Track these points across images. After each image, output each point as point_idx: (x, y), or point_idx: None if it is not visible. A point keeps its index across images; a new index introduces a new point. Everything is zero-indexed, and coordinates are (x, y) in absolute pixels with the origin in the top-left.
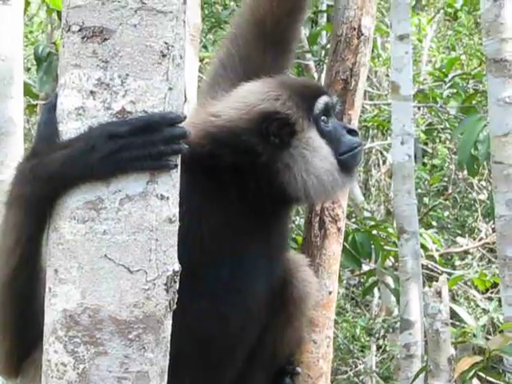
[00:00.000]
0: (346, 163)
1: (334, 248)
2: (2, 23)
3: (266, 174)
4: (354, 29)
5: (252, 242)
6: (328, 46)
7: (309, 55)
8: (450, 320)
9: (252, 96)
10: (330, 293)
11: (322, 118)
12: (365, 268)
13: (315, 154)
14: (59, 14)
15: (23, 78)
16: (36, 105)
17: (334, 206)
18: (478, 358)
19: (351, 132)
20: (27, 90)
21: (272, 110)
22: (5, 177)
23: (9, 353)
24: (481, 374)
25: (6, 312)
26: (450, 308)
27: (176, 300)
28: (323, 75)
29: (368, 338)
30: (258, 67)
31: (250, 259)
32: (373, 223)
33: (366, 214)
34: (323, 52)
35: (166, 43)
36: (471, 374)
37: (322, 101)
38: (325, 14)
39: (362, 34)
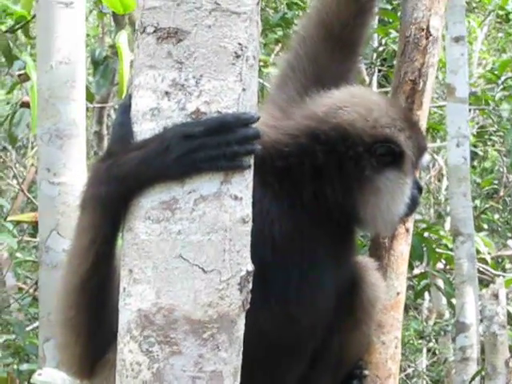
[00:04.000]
0: (408, 213)
1: (402, 248)
2: (65, 26)
3: (346, 187)
4: (423, 29)
5: (321, 245)
6: (379, 49)
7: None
8: (507, 322)
9: (376, 112)
10: (398, 293)
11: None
12: (416, 271)
13: (400, 197)
14: (115, 16)
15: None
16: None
17: None
18: None
19: (419, 188)
20: (86, 93)
21: (395, 140)
22: (67, 179)
23: (83, 354)
24: None
25: (80, 313)
26: (507, 310)
27: (249, 300)
28: (374, 78)
29: (420, 341)
30: (326, 69)
31: (320, 262)
32: (424, 226)
33: (417, 217)
34: (375, 55)
35: (239, 44)
36: None
37: (426, 157)
38: (376, 17)
39: (431, 35)
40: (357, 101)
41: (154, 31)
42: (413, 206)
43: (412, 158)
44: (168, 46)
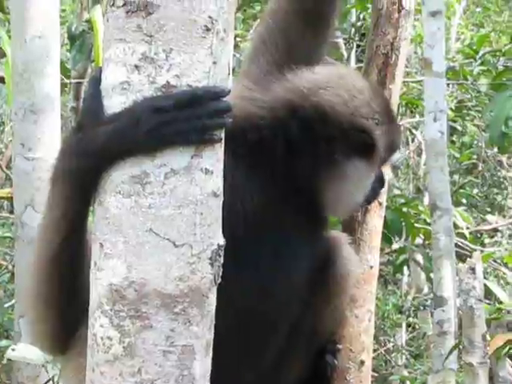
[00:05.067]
0: (365, 203)
1: (375, 222)
2: (39, 1)
3: (315, 166)
4: (395, 3)
5: (293, 220)
6: (358, 23)
7: (338, 33)
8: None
9: (358, 100)
10: (372, 267)
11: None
12: (395, 246)
13: (361, 186)
14: None
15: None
16: (70, 83)
17: None
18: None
19: (382, 183)
20: (62, 68)
21: (370, 132)
22: (42, 154)
23: (55, 330)
24: None
25: (52, 287)
26: (484, 285)
27: (221, 274)
28: (352, 53)
29: (399, 316)
30: (298, 42)
31: (292, 237)
32: (403, 201)
33: (396, 192)
34: (353, 30)
35: (210, 17)
36: (505, 350)
37: (397, 155)
38: None
39: (403, 8)
40: (342, 83)
41: (124, 4)
42: (371, 197)
43: (382, 153)
44: (138, 20)
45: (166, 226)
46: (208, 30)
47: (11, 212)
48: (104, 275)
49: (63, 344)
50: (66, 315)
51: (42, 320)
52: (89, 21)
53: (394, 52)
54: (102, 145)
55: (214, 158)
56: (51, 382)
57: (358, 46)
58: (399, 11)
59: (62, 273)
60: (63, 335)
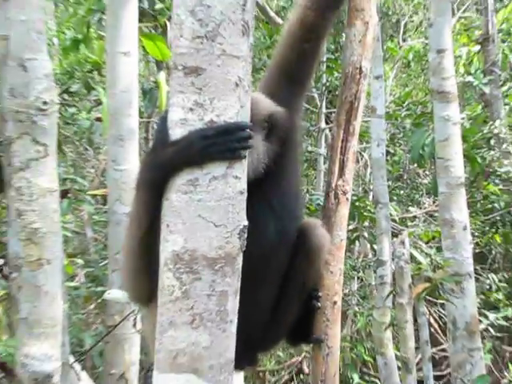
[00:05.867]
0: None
1: (344, 211)
2: (124, 68)
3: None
4: (357, 68)
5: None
6: (327, 83)
7: (313, 89)
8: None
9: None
10: (342, 240)
11: None
12: (350, 227)
13: None
14: (157, 62)
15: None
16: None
17: (343, 184)
18: (428, 285)
19: None
20: (139, 112)
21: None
22: (127, 166)
23: (141, 286)
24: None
25: (140, 258)
26: (410, 252)
27: (245, 244)
28: (323, 102)
29: (353, 272)
30: (284, 92)
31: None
32: (356, 198)
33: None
34: (324, 88)
35: (238, 77)
36: (423, 294)
37: None
38: (325, 63)
39: (362, 72)
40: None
41: (183, 68)
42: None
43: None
44: (191, 78)
45: (209, 213)
46: (237, 85)
47: (103, 204)
48: (169, 245)
49: (147, 297)
50: (147, 276)
51: (132, 280)
52: (155, 81)
53: (357, 100)
54: (169, 160)
55: (241, 168)
56: (132, 313)
57: (327, 98)
58: (360, 74)
59: (145, 248)
60: (145, 291)
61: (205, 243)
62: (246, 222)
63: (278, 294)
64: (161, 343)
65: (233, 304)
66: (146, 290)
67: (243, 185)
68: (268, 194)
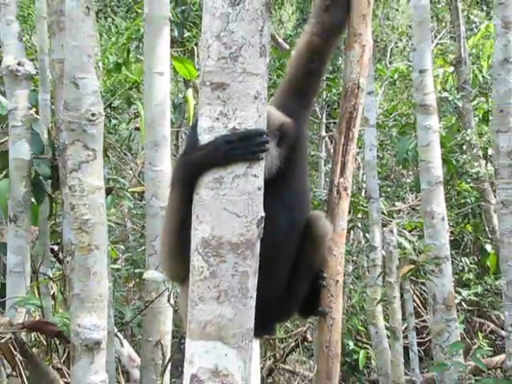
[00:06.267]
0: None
1: (345, 204)
2: (159, 85)
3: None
4: (355, 83)
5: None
6: (327, 99)
7: (315, 104)
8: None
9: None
10: (343, 229)
11: None
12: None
13: None
14: (185, 80)
15: (169, 116)
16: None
17: (344, 181)
18: (412, 266)
19: None
20: (170, 122)
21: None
22: (161, 168)
23: (177, 268)
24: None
25: (175, 243)
26: (397, 239)
27: (262, 232)
28: (324, 115)
29: (348, 256)
30: (294, 107)
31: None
32: (351, 194)
33: None
34: (324, 102)
35: (257, 91)
36: (408, 274)
37: None
38: (325, 82)
39: (360, 87)
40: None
41: (210, 84)
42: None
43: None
44: (217, 93)
45: (232, 205)
46: (256, 98)
47: (140, 200)
48: (198, 233)
49: (180, 276)
50: (181, 259)
51: (169, 263)
52: (184, 97)
53: (355, 111)
54: (198, 161)
55: (259, 168)
56: (167, 291)
57: (327, 111)
58: (358, 89)
59: (180, 235)
60: (180, 272)
61: (229, 231)
62: (263, 214)
63: (290, 274)
64: (192, 315)
65: (252, 282)
66: (180, 270)
67: (261, 182)
68: (280, 191)
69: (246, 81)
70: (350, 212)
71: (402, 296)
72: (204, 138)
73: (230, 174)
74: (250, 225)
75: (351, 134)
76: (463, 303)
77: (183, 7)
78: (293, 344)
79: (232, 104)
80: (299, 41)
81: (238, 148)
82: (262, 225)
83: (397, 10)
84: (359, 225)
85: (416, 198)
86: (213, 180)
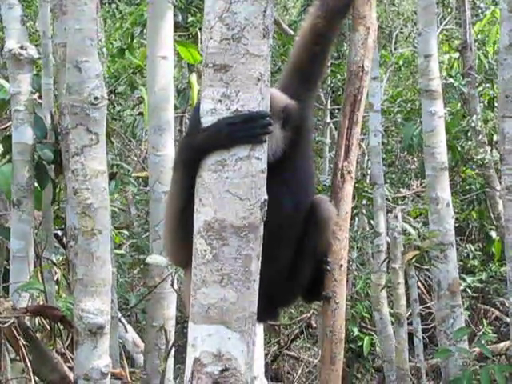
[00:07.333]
0: None
1: (349, 188)
2: (163, 70)
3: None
4: (360, 66)
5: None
6: (331, 84)
7: (320, 90)
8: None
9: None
10: (347, 213)
11: None
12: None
13: None
14: (189, 65)
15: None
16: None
17: (348, 165)
18: (417, 252)
19: None
20: (174, 107)
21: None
22: (165, 152)
23: (180, 252)
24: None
25: (177, 227)
26: (402, 225)
27: (265, 215)
28: (328, 100)
29: (353, 243)
30: (299, 89)
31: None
32: (355, 180)
33: None
34: (328, 88)
35: (260, 73)
36: (413, 260)
37: None
38: (329, 68)
39: (364, 70)
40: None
41: (213, 66)
42: None
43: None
44: (220, 74)
45: (236, 188)
46: (259, 80)
47: (145, 186)
48: (201, 216)
49: (183, 260)
50: (184, 242)
51: (172, 246)
52: (188, 82)
53: (360, 94)
54: (201, 144)
55: (262, 150)
56: (170, 275)
57: (331, 97)
58: (362, 71)
59: (183, 218)
60: (183, 255)
61: (232, 214)
62: (266, 197)
63: (294, 258)
64: (195, 299)
65: (255, 266)
66: (183, 254)
67: (264, 165)
68: (285, 174)
69: (249, 62)
70: (354, 198)
71: (406, 282)
72: (206, 120)
73: (232, 157)
74: (253, 208)
75: (355, 117)
76: (468, 290)
77: None
78: (297, 330)
79: (235, 86)
80: (303, 23)
81: (241, 130)
82: (265, 208)
83: None
84: (364, 211)
85: (421, 184)
86: (215, 162)
